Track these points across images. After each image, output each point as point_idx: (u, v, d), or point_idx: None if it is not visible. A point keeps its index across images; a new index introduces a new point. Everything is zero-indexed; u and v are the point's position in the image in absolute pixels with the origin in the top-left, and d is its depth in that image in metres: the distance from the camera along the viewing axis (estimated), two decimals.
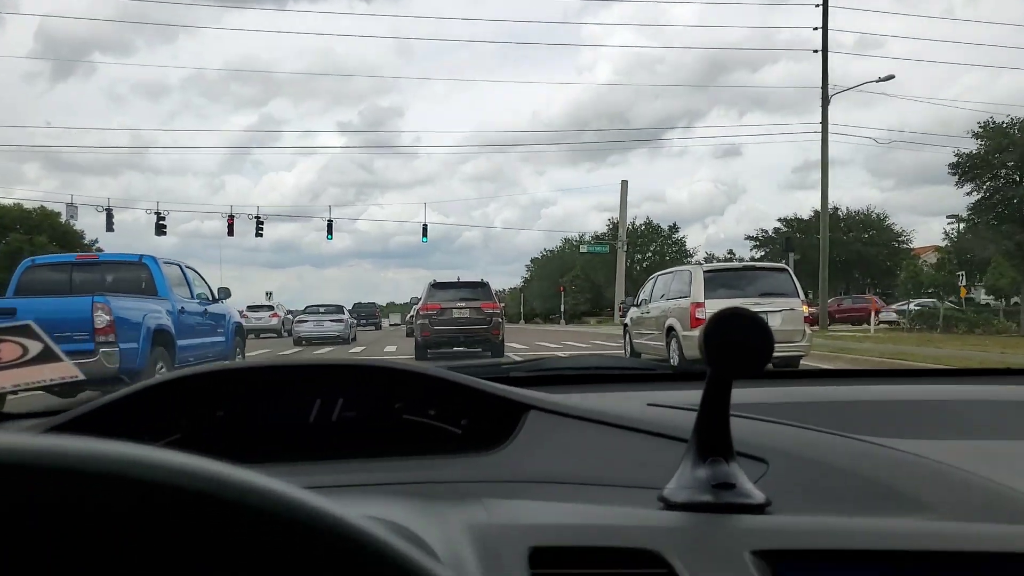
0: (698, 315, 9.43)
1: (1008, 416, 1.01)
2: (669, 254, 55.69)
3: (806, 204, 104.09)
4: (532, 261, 75.24)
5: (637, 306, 11.95)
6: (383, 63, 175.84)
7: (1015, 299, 29.70)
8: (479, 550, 0.55)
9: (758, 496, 0.66)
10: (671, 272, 11.31)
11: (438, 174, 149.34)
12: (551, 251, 69.26)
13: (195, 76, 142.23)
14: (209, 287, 9.32)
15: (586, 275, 57.03)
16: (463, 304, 13.48)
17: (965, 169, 27.86)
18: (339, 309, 25.10)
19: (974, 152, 27.50)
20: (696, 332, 9.84)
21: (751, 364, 0.65)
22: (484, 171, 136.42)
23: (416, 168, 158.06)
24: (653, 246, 57.32)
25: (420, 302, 14.41)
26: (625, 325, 12.83)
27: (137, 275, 7.85)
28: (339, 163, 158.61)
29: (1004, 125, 27.42)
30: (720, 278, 10.04)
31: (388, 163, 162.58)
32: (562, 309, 50.97)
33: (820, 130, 25.22)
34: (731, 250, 57.94)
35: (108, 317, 6.40)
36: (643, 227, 57.24)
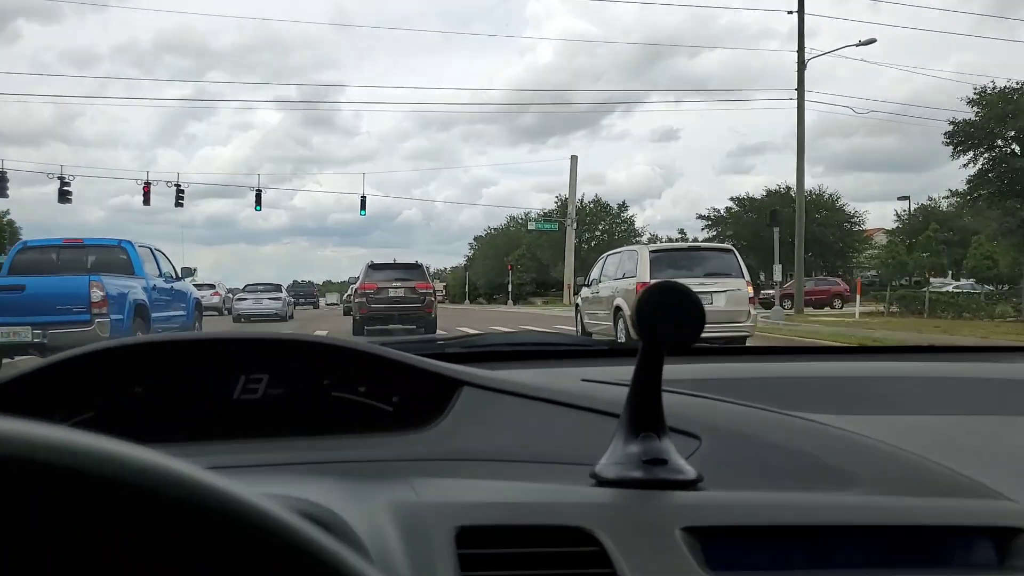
0: None
1: (939, 392, 1.04)
2: (618, 233, 55.24)
3: (741, 188, 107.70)
4: (475, 239, 74.51)
5: (588, 285, 12.42)
6: (323, 38, 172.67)
7: (1005, 286, 27.70)
8: (403, 529, 0.55)
9: (690, 472, 0.67)
10: (619, 252, 11.80)
11: (378, 151, 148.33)
12: (496, 229, 68.83)
13: (125, 46, 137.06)
14: (173, 267, 10.54)
15: (532, 254, 56.77)
16: (399, 284, 14.65)
17: (961, 139, 24.17)
18: (277, 288, 27.03)
19: (971, 120, 24.05)
20: None
21: (683, 338, 0.66)
22: (425, 149, 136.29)
23: (355, 145, 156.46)
24: (602, 225, 56.94)
25: (358, 281, 15.56)
26: (577, 305, 13.47)
27: (116, 257, 9.15)
28: (276, 138, 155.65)
29: (1005, 90, 23.83)
30: (666, 258, 10.45)
31: (327, 139, 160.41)
32: (509, 289, 50.37)
33: (796, 97, 23.58)
34: (682, 230, 57.87)
35: (102, 293, 7.78)
36: (592, 205, 56.56)
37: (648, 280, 9.52)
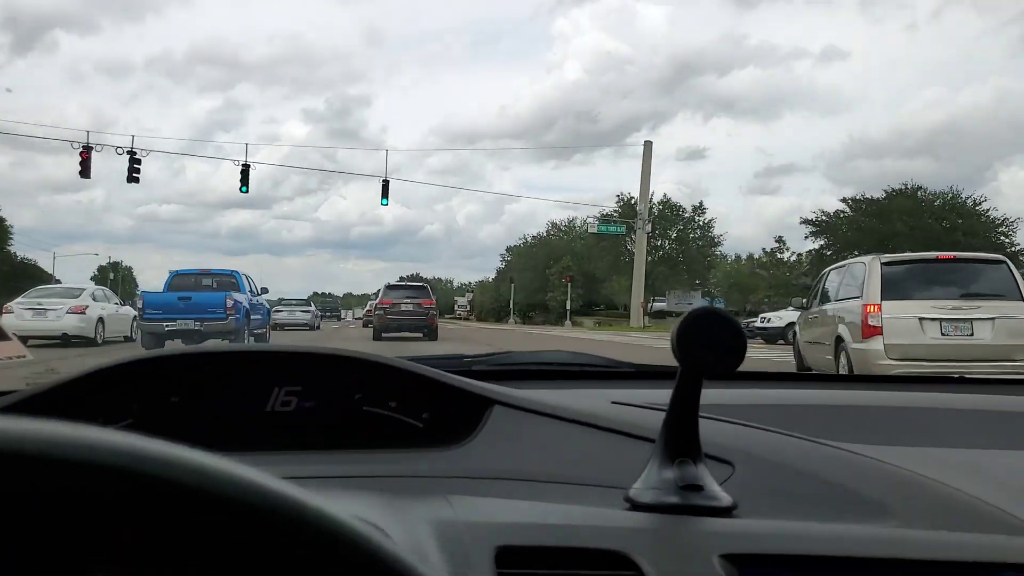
0: (871, 322, 8.04)
1: (974, 424, 1.09)
2: (693, 241, 49.24)
3: (767, 209, 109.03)
4: (508, 250, 71.02)
5: (806, 308, 10.65)
6: (352, 51, 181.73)
7: None
8: (445, 548, 0.56)
9: (725, 499, 0.69)
10: (841, 266, 10.01)
11: (403, 165, 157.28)
12: (536, 237, 65.54)
13: (159, 57, 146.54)
14: (255, 287, 18.02)
15: (579, 266, 52.34)
16: (408, 301, 21.46)
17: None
18: (307, 302, 38.42)
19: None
20: (869, 344, 7.82)
21: (723, 364, 0.68)
22: (449, 165, 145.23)
23: (381, 158, 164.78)
24: (674, 231, 49.55)
25: (378, 298, 23.19)
26: (793, 333, 12.22)
27: (229, 280, 16.69)
28: (302, 151, 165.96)
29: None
30: (905, 273, 8.49)
31: (352, 152, 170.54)
32: (568, 307, 47.10)
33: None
34: (780, 237, 52.41)
35: (231, 302, 15.28)
36: (660, 207, 48.59)
37: (878, 302, 8.10)
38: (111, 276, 65.27)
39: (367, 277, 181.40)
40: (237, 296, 15.50)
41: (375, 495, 0.68)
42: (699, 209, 49.88)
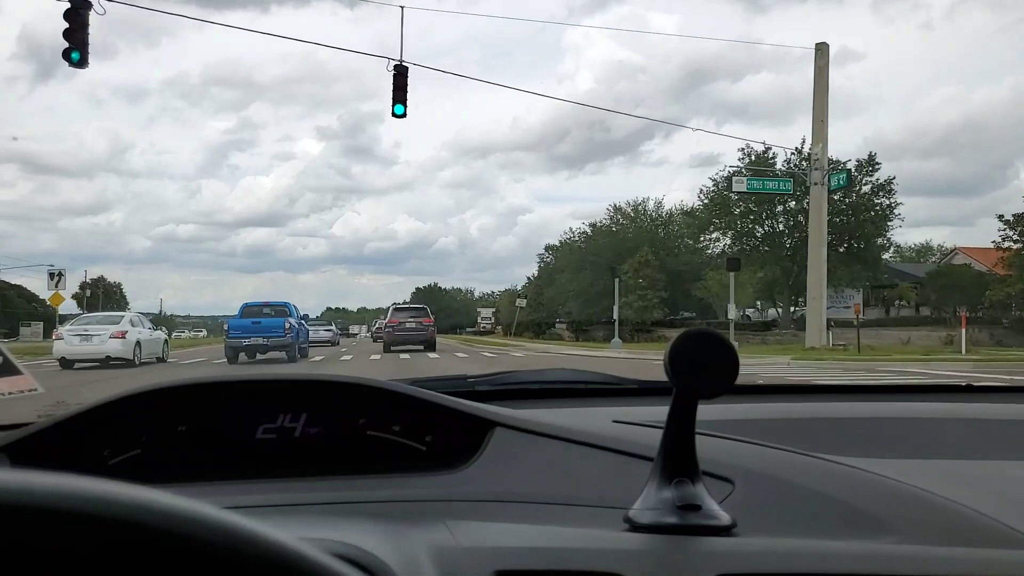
0: None
1: (973, 435, 1.08)
2: (868, 210, 33.16)
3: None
4: (547, 249, 56.79)
5: None
6: (365, 68, 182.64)
7: None
8: (443, 573, 0.57)
9: (724, 518, 0.70)
10: None
11: (416, 179, 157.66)
12: (596, 226, 48.38)
13: (174, 79, 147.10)
14: (298, 314, 21.88)
15: (660, 262, 38.41)
16: (411, 320, 26.68)
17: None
18: (328, 323, 45.82)
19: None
20: None
21: (716, 387, 0.69)
22: (462, 178, 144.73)
23: (394, 174, 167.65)
24: (840, 194, 32.25)
25: (386, 318, 28.36)
26: None
27: (284, 309, 21.63)
28: (317, 168, 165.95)
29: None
30: None
31: (366, 168, 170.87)
32: (730, 318, 24.03)
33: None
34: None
35: (288, 324, 20.59)
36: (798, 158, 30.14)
37: None
38: (87, 294, 62.43)
39: (382, 291, 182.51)
40: (291, 320, 20.92)
41: (375, 521, 0.69)
42: (871, 162, 32.85)
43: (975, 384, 1.60)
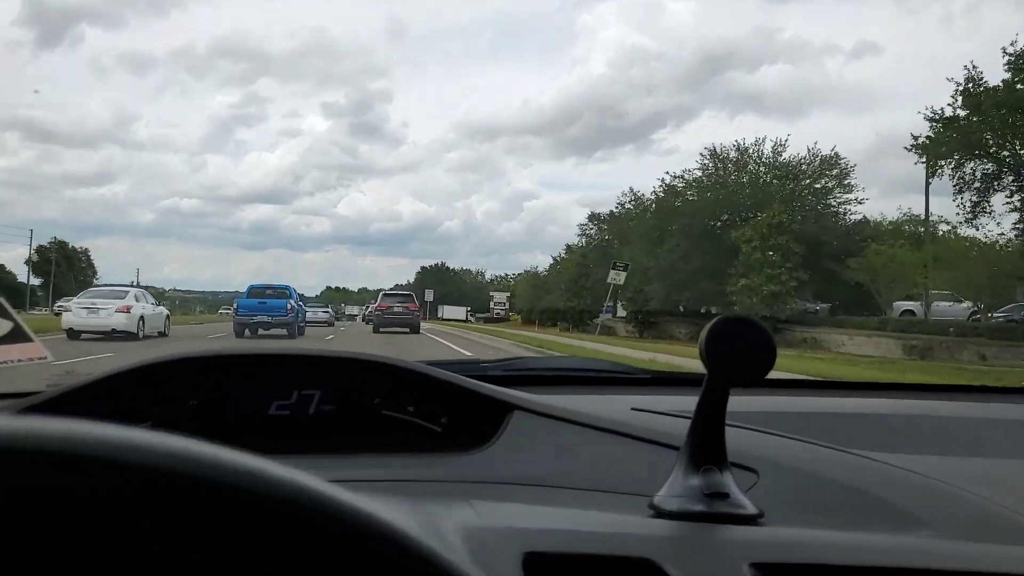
0: None
1: (1000, 434, 1.08)
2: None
3: None
4: (593, 220, 46.95)
5: None
6: (374, 45, 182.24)
7: None
8: (472, 553, 0.55)
9: (750, 507, 0.69)
10: None
11: (422, 161, 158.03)
12: (644, 199, 37.48)
13: (181, 51, 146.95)
14: (298, 295, 24.39)
15: (796, 225, 27.03)
16: (399, 305, 29.38)
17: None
18: (325, 305, 51.42)
19: None
20: None
21: (752, 374, 0.68)
22: (469, 160, 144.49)
23: (400, 154, 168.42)
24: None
25: (376, 303, 31.39)
26: None
27: (285, 291, 24.48)
28: (323, 145, 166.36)
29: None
30: None
31: (372, 147, 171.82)
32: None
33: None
34: None
35: (290, 305, 23.81)
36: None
37: None
38: (52, 259, 59.69)
39: (385, 272, 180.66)
40: (292, 302, 23.99)
41: (402, 499, 0.65)
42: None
43: (1005, 387, 1.61)
